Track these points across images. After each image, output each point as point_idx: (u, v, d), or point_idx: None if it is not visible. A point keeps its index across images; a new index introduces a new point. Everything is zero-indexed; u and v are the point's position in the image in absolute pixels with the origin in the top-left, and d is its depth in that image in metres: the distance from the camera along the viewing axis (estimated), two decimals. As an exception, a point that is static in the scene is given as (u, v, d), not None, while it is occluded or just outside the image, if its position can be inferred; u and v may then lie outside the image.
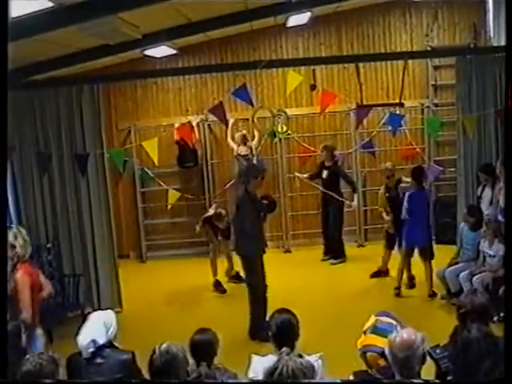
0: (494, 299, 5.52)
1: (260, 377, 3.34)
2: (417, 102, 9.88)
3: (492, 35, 9.25)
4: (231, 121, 9.30)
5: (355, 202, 9.09)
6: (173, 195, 8.18)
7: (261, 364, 3.49)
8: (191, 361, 3.54)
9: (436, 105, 9.95)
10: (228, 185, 9.69)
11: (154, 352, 3.35)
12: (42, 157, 7.29)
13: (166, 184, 9.47)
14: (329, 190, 9.00)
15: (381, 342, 3.22)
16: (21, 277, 4.54)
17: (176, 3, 5.63)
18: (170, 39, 7.40)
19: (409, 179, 7.72)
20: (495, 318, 4.98)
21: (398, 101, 7.93)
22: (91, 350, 3.79)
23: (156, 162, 7.05)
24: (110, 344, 3.89)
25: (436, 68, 9.98)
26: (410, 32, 10.00)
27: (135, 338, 5.11)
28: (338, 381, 3.42)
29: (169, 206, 8.53)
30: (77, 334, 3.89)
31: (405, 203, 7.31)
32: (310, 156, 9.77)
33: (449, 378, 3.43)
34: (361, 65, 8.76)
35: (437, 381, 3.37)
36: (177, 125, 9.45)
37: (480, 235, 6.89)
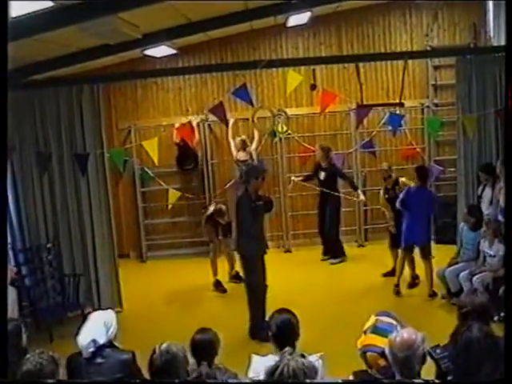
0: (494, 299, 5.53)
1: (260, 376, 3.34)
2: (417, 102, 9.88)
3: (492, 35, 9.26)
4: (231, 121, 9.29)
5: (362, 197, 9.07)
6: (173, 195, 8.19)
7: (261, 364, 3.49)
8: (192, 360, 3.54)
9: (436, 105, 9.95)
10: (228, 184, 9.70)
11: (154, 352, 3.35)
12: (42, 156, 7.29)
13: (166, 184, 9.47)
14: (326, 190, 9.00)
15: (381, 342, 3.22)
16: None
17: (176, 3, 5.61)
18: (169, 39, 7.39)
19: (405, 179, 7.77)
20: (495, 318, 4.98)
21: (398, 101, 7.94)
22: (91, 349, 3.79)
23: (156, 161, 7.06)
24: (110, 344, 3.89)
25: (436, 68, 9.98)
26: (410, 32, 9.99)
27: (135, 337, 5.11)
28: (339, 381, 3.43)
29: (169, 206, 8.55)
30: (77, 333, 3.89)
31: (401, 195, 7.38)
32: (310, 156, 9.77)
33: (449, 378, 3.43)
34: (361, 65, 8.76)
35: (437, 381, 3.37)
36: (177, 125, 9.46)
37: (480, 235, 6.90)
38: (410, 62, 8.74)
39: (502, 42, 8.01)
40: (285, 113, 9.89)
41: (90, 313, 4.39)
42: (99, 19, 4.69)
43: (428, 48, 9.83)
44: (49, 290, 7.28)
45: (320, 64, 9.59)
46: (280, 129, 9.87)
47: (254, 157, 9.46)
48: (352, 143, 9.95)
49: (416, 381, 2.98)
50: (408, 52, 9.32)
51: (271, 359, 3.37)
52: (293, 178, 9.48)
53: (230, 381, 3.61)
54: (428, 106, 9.87)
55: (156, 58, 8.74)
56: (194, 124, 9.56)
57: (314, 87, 9.69)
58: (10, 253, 6.86)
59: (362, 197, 9.05)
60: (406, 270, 7.60)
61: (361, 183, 9.91)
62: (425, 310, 6.98)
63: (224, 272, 8.38)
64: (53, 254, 7.35)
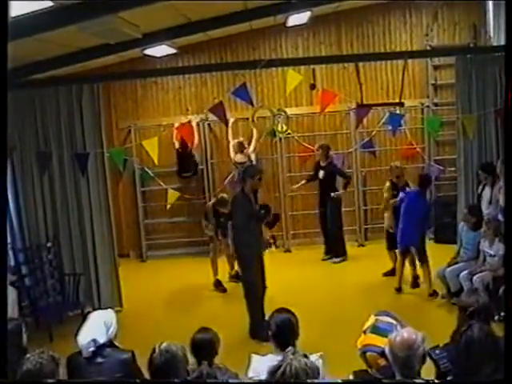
0: (495, 299, 5.54)
1: (260, 376, 3.34)
2: (417, 102, 9.88)
3: (492, 35, 9.25)
4: (231, 120, 9.30)
5: (340, 191, 8.99)
6: (172, 195, 8.19)
7: (261, 363, 3.49)
8: (192, 360, 3.54)
9: (436, 104, 9.95)
10: (227, 179, 9.68)
11: (153, 351, 3.34)
12: (42, 156, 7.29)
13: (166, 183, 9.48)
14: (326, 189, 9.00)
15: (381, 342, 3.21)
16: None
17: (176, 3, 5.62)
18: (169, 38, 7.39)
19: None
20: (496, 318, 4.98)
21: (397, 100, 7.94)
22: (91, 349, 3.79)
23: (156, 161, 7.06)
24: (110, 343, 3.89)
25: (436, 67, 9.98)
26: (410, 32, 9.99)
27: (135, 337, 5.11)
28: (339, 381, 3.42)
29: (168, 206, 8.54)
30: (77, 333, 3.89)
31: (400, 194, 7.47)
32: (310, 155, 9.77)
33: (449, 378, 3.43)
34: (361, 64, 8.77)
35: (437, 381, 3.37)
36: (177, 124, 9.46)
37: (480, 235, 6.89)
38: (409, 61, 8.74)
39: (502, 42, 8.00)
40: (284, 112, 9.89)
41: (89, 312, 4.39)
42: (99, 19, 4.69)
43: (428, 48, 9.83)
44: (49, 290, 7.29)
45: (320, 64, 9.59)
46: (280, 128, 9.87)
47: (253, 158, 9.46)
48: (352, 143, 9.95)
49: (416, 381, 2.98)
50: (408, 52, 9.32)
51: (271, 359, 3.37)
52: (294, 186, 9.49)
53: (230, 381, 3.61)
54: (428, 106, 9.87)
55: (156, 57, 8.74)
56: (194, 124, 9.55)
57: (313, 87, 9.68)
58: (10, 252, 6.86)
59: (339, 192, 8.96)
60: (407, 270, 7.61)
61: (361, 183, 9.92)
62: (425, 310, 6.99)
63: (224, 272, 8.38)
64: (53, 253, 7.35)
